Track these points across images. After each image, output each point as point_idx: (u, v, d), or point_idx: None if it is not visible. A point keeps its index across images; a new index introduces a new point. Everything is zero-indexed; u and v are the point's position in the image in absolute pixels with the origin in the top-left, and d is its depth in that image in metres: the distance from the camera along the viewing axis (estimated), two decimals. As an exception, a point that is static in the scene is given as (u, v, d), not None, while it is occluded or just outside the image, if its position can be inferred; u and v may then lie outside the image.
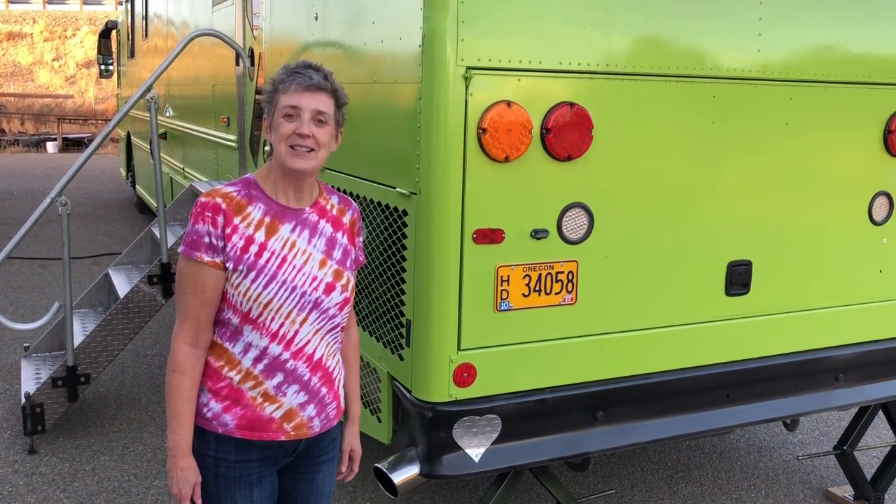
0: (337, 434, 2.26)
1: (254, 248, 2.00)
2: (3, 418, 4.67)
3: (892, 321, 3.51)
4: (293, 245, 2.05)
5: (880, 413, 4.03)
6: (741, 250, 3.09)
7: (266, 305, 2.00)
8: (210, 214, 1.99)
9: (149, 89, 4.44)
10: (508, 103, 2.56)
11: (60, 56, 28.22)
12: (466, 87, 2.51)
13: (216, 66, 5.65)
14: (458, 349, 2.66)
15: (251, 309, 2.00)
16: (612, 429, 2.95)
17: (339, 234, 2.15)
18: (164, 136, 7.64)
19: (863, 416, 3.89)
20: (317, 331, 2.08)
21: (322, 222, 2.12)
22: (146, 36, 8.84)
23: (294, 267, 2.03)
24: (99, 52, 12.46)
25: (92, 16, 30.20)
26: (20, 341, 5.88)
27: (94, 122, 24.26)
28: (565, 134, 2.65)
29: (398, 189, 2.75)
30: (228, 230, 1.99)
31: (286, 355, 2.04)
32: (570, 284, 2.78)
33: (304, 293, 2.03)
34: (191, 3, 6.47)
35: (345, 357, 2.29)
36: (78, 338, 4.48)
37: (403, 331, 2.78)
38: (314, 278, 2.05)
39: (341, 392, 2.22)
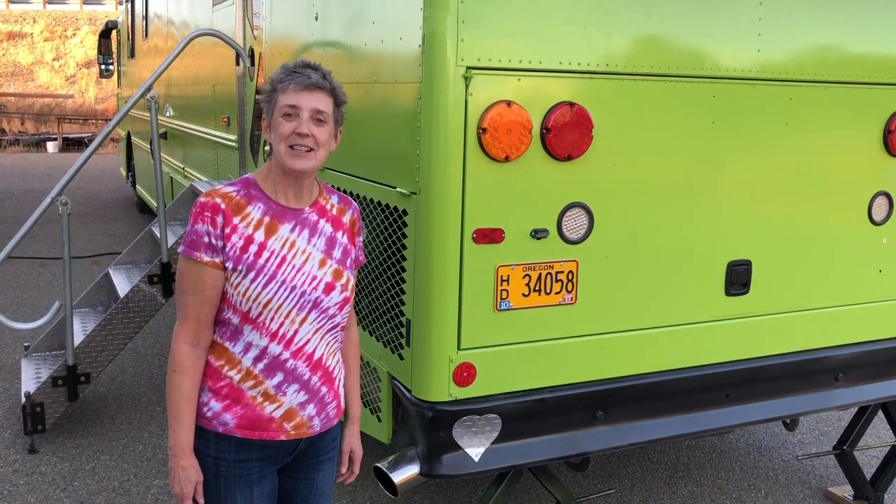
0: (337, 434, 2.26)
1: (253, 248, 2.01)
2: (4, 417, 4.67)
3: (892, 321, 3.51)
4: (293, 245, 2.05)
5: (880, 413, 4.03)
6: (741, 250, 3.09)
7: (266, 305, 2.00)
8: (209, 214, 1.99)
9: (149, 89, 4.45)
10: (508, 103, 2.56)
11: (61, 56, 28.22)
12: (466, 86, 2.52)
13: (216, 66, 5.65)
14: (458, 349, 2.66)
15: (251, 309, 2.00)
16: (612, 428, 2.95)
17: (339, 234, 2.15)
18: (164, 135, 7.64)
19: (862, 416, 3.89)
20: (316, 330, 2.08)
21: (322, 222, 2.12)
22: (146, 36, 8.84)
23: (293, 266, 2.03)
24: (99, 51, 12.47)
25: (92, 16, 30.21)
26: (20, 340, 5.88)
27: (94, 121, 24.26)
28: (565, 134, 2.65)
29: (398, 189, 2.75)
30: (228, 230, 1.99)
31: (286, 355, 2.05)
32: (569, 284, 2.79)
33: (303, 293, 2.03)
34: (191, 2, 6.47)
35: (345, 357, 2.29)
36: (78, 337, 4.48)
37: (403, 330, 2.78)
38: (314, 278, 2.06)
39: (341, 392, 2.22)
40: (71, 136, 22.63)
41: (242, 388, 2.05)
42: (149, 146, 8.16)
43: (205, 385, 2.07)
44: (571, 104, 2.65)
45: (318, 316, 2.07)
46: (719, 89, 2.92)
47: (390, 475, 2.67)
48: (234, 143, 5.15)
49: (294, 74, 2.00)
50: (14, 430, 4.52)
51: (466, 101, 2.52)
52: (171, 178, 7.48)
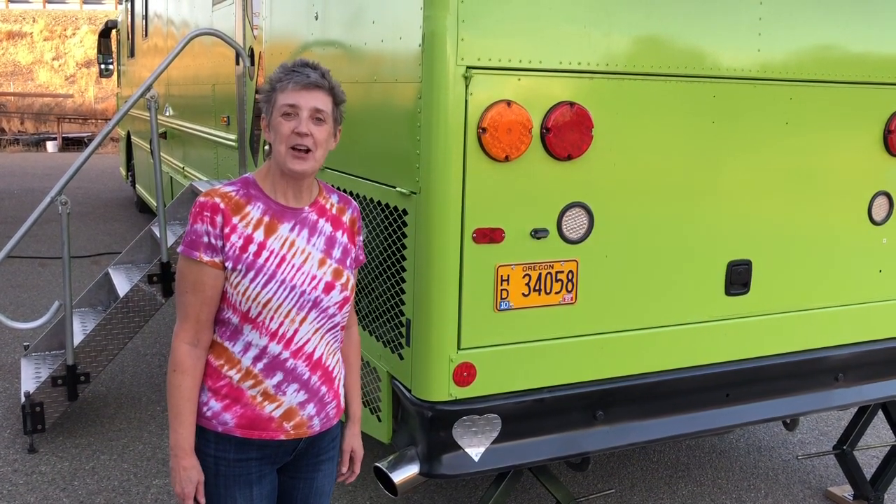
0: (337, 433, 2.26)
1: (252, 248, 2.00)
2: (3, 417, 4.67)
3: (892, 321, 3.51)
4: (292, 244, 2.05)
5: (880, 413, 4.03)
6: (741, 250, 3.09)
7: (265, 305, 2.00)
8: (209, 214, 1.99)
9: (149, 88, 4.44)
10: (508, 103, 2.56)
11: (60, 55, 28.22)
12: (466, 86, 2.52)
13: (216, 66, 5.65)
14: (458, 348, 2.66)
15: (250, 308, 2.00)
16: (612, 428, 2.95)
17: (339, 233, 2.15)
18: (164, 135, 7.64)
19: (862, 416, 3.89)
20: (316, 330, 2.08)
21: (321, 221, 2.12)
22: (146, 35, 8.84)
23: (293, 266, 2.03)
24: (99, 51, 12.46)
25: (92, 15, 30.20)
26: (20, 340, 5.88)
27: (93, 121, 24.25)
28: (565, 133, 2.65)
29: (398, 188, 2.75)
30: (227, 230, 1.99)
31: (286, 354, 2.04)
32: (569, 284, 2.78)
33: (303, 292, 2.03)
34: (191, 2, 6.47)
35: (346, 357, 2.29)
36: (78, 337, 4.48)
37: (403, 330, 2.78)
38: (313, 277, 2.05)
39: (341, 391, 2.22)
40: (70, 135, 22.62)
41: (242, 387, 2.05)
42: (148, 146, 8.16)
43: (204, 384, 2.07)
44: (571, 104, 2.65)
45: (318, 315, 2.07)
46: (719, 89, 2.92)
47: (390, 475, 2.67)
48: (233, 143, 5.15)
49: (293, 73, 2.00)
50: (14, 429, 4.52)
51: (466, 100, 2.52)
52: (171, 177, 7.47)
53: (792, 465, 4.39)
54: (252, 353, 2.04)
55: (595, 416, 2.91)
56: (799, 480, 4.22)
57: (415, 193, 2.64)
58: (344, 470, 2.33)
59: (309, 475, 2.23)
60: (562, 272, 2.77)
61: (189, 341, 2.03)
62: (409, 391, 2.75)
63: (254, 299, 1.99)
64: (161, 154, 5.59)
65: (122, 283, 4.89)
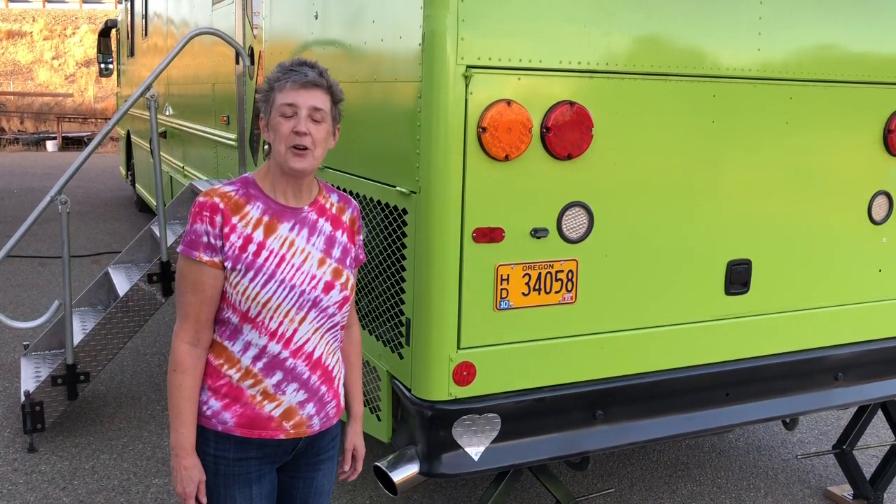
0: (337, 433, 2.26)
1: (252, 248, 2.00)
2: (3, 416, 4.67)
3: (892, 320, 3.51)
4: (292, 244, 2.05)
5: (879, 412, 4.03)
6: (741, 249, 3.09)
7: (265, 304, 2.00)
8: (208, 214, 1.99)
9: (148, 88, 4.44)
10: (508, 102, 2.56)
11: (60, 55, 28.20)
12: (466, 85, 2.51)
13: (216, 65, 5.65)
14: (458, 348, 2.66)
15: (250, 308, 2.00)
16: (612, 428, 2.95)
17: (339, 233, 2.15)
18: (163, 134, 7.63)
19: (862, 416, 3.89)
20: (316, 329, 2.08)
21: (321, 221, 2.12)
22: (146, 35, 8.84)
23: (293, 266, 2.03)
24: (98, 50, 12.45)
25: (91, 14, 30.19)
26: (20, 339, 5.88)
27: (93, 120, 24.25)
28: (565, 133, 2.65)
29: (398, 188, 2.75)
30: (227, 229, 1.99)
31: (285, 354, 2.04)
32: (569, 283, 2.78)
33: (302, 292, 2.03)
34: (190, 1, 6.46)
35: (347, 356, 2.29)
36: (77, 336, 4.48)
37: (403, 329, 2.78)
38: (313, 277, 2.05)
39: (341, 391, 2.22)
40: (70, 134, 22.62)
41: (242, 386, 2.05)
42: (148, 145, 8.16)
43: (204, 384, 2.07)
44: (571, 103, 2.65)
45: (318, 315, 2.07)
46: (719, 88, 2.92)
47: (390, 474, 2.67)
48: (233, 142, 5.15)
49: (291, 73, 2.00)
50: (13, 428, 4.52)
51: (466, 99, 2.52)
52: (171, 177, 7.47)
53: (791, 464, 4.40)
54: (252, 352, 2.04)
55: (595, 415, 2.91)
56: (798, 480, 4.22)
57: (415, 193, 2.64)
58: (346, 468, 2.33)
59: (309, 474, 2.23)
60: (562, 272, 2.77)
61: (189, 341, 2.03)
62: (409, 390, 2.75)
63: (253, 299, 1.99)
64: (161, 153, 5.59)
65: (121, 283, 4.89)
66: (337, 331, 2.16)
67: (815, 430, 4.85)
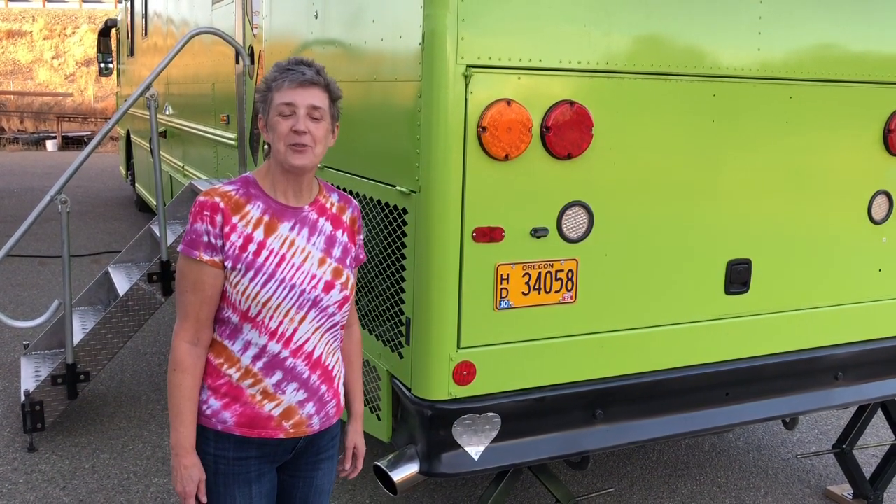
0: (337, 432, 2.26)
1: (252, 247, 2.00)
2: (3, 416, 4.67)
3: (891, 320, 3.51)
4: (292, 243, 2.05)
5: (879, 412, 4.03)
6: (741, 249, 3.09)
7: (265, 304, 2.00)
8: (208, 213, 1.99)
9: (148, 87, 4.44)
10: (508, 102, 2.56)
11: (60, 54, 28.20)
12: (466, 85, 2.51)
13: (216, 65, 5.65)
14: (458, 347, 2.66)
15: (250, 307, 2.00)
16: (612, 427, 2.95)
17: (339, 232, 2.15)
18: (163, 134, 7.63)
19: (862, 415, 3.89)
20: (316, 329, 2.08)
21: (322, 220, 2.12)
22: (146, 34, 8.84)
23: (293, 265, 2.03)
24: (98, 50, 12.45)
25: (91, 14, 30.18)
26: (20, 339, 5.88)
27: (93, 120, 24.25)
28: (565, 132, 2.65)
29: (398, 187, 2.75)
30: (227, 229, 1.99)
31: (285, 353, 2.05)
32: (569, 283, 2.79)
33: (302, 291, 2.03)
34: (190, 1, 6.46)
35: (347, 355, 2.29)
36: (77, 336, 4.48)
37: (403, 329, 2.78)
38: (313, 276, 2.05)
39: (341, 390, 2.22)
40: (70, 134, 22.61)
41: (241, 386, 2.05)
42: (148, 144, 8.16)
43: (204, 383, 2.07)
44: (571, 103, 2.65)
45: (318, 315, 2.07)
46: (719, 88, 2.92)
47: (390, 474, 2.67)
48: (233, 142, 5.15)
49: (288, 72, 2.00)
50: (13, 428, 4.52)
51: (466, 99, 2.52)
52: (171, 176, 7.47)
53: (791, 464, 4.40)
54: (251, 351, 2.04)
55: (595, 414, 2.91)
56: (798, 479, 4.22)
57: (415, 192, 2.64)
58: (347, 466, 2.33)
59: (308, 474, 2.23)
60: (561, 271, 2.77)
61: (189, 340, 2.03)
62: (409, 390, 2.75)
63: (253, 298, 1.99)
64: (161, 153, 5.59)
65: (121, 282, 4.89)
66: (337, 330, 2.16)
67: (814, 430, 4.85)
